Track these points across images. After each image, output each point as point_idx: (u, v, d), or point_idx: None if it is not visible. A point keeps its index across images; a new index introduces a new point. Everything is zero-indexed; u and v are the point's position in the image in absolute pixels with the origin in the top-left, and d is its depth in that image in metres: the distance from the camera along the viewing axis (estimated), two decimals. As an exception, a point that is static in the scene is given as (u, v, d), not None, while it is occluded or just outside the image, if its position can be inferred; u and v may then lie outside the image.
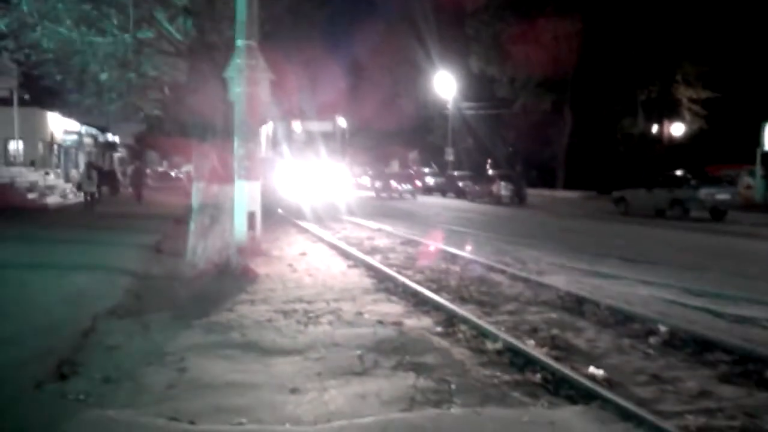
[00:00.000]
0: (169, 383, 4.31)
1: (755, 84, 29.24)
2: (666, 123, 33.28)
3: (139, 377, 4.43)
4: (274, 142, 18.79)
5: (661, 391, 4.33)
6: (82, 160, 33.78)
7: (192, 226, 8.23)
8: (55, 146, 33.46)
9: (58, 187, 25.99)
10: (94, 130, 38.43)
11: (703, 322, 6.18)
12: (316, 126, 19.04)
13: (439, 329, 5.85)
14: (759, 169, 27.24)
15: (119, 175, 33.90)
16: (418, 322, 6.08)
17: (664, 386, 4.41)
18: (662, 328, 5.69)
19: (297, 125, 18.49)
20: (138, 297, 7.02)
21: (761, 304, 6.92)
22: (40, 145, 30.88)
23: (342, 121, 19.52)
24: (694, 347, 5.25)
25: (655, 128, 33.68)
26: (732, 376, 4.59)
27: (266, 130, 19.38)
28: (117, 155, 47.69)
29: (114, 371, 4.51)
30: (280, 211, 17.40)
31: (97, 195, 19.95)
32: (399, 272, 8.53)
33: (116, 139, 45.24)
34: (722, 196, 20.15)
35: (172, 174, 60.20)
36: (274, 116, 17.98)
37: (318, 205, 17.36)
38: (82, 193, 19.93)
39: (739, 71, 30.00)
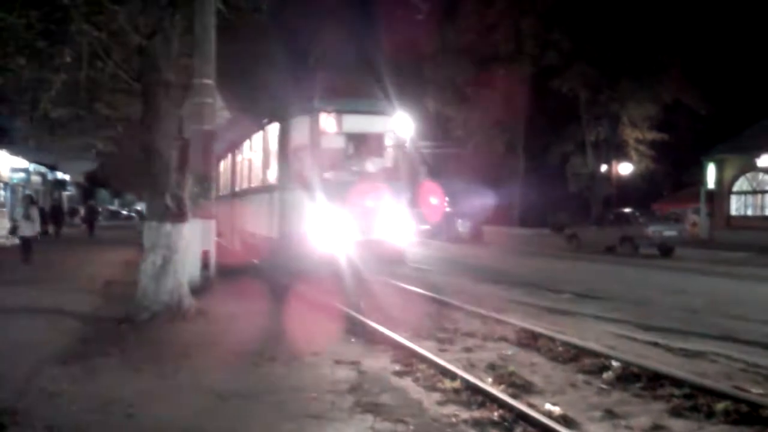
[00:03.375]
0: (117, 431, 4.13)
1: (698, 125, 30.76)
2: (614, 163, 34.46)
3: (84, 425, 4.23)
4: (283, 157, 10.80)
5: (614, 426, 4.39)
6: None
7: (143, 266, 8.02)
8: (1, 184, 32.36)
9: (5, 227, 25.05)
10: (42, 168, 37.40)
11: (653, 356, 6.32)
12: (365, 123, 11.19)
13: (396, 368, 5.81)
14: (703, 207, 28.40)
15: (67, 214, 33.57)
16: (376, 362, 6.02)
17: (618, 421, 4.46)
18: (615, 363, 5.79)
19: (329, 122, 10.60)
20: (85, 341, 6.74)
21: (709, 338, 7.14)
22: (-15, 184, 29.81)
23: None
24: (646, 382, 5.35)
25: (604, 168, 34.80)
26: (683, 410, 4.68)
27: (264, 137, 12.24)
28: (67, 194, 46.41)
29: (57, 419, 4.29)
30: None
31: (37, 236, 15.12)
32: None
33: (66, 177, 44.11)
34: (670, 233, 20.87)
35: (124, 212, 58.98)
36: (285, 112, 10.94)
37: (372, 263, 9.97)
38: (19, 238, 14.39)
39: (681, 114, 31.52)
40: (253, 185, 13.76)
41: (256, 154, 13.55)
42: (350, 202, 10.05)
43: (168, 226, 7.97)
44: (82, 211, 38.32)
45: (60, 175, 41.87)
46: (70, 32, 8.31)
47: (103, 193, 61.54)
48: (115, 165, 29.80)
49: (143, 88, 8.25)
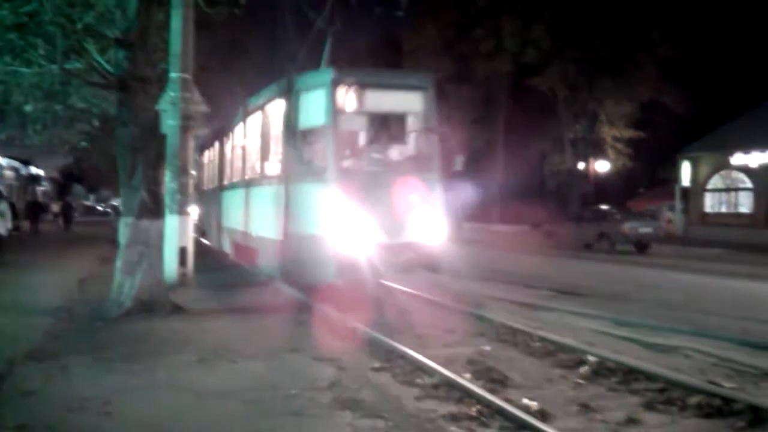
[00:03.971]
0: (92, 429, 4.07)
1: (674, 124, 31.25)
2: (592, 160, 34.85)
3: (58, 424, 4.17)
4: (290, 142, 9.05)
5: (590, 420, 4.45)
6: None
7: (119, 262, 7.91)
8: (-27, 179, 31.71)
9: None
10: (16, 163, 36.69)
11: (629, 351, 6.41)
12: (394, 100, 9.31)
13: (376, 364, 5.81)
14: (678, 204, 28.86)
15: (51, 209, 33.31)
16: (356, 359, 6.02)
17: (594, 415, 4.52)
18: (591, 358, 5.86)
19: (349, 97, 8.61)
20: (58, 338, 6.64)
21: (683, 334, 7.25)
22: (-44, 179, 29.22)
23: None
24: (621, 376, 5.43)
25: (581, 165, 35.18)
26: (657, 404, 4.76)
27: (264, 119, 10.35)
28: (41, 189, 45.62)
29: (30, 419, 4.22)
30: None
31: (9, 233, 14.36)
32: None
33: (40, 172, 43.34)
34: (645, 229, 21.18)
35: (99, 208, 58.21)
36: (293, 85, 9.04)
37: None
38: None
39: (658, 112, 31.98)
40: (248, 177, 11.82)
41: (252, 140, 11.50)
42: (374, 198, 8.38)
43: (144, 222, 7.86)
44: (54, 207, 37.67)
45: (34, 170, 41.17)
46: (43, 24, 8.15)
47: (78, 189, 60.62)
48: (90, 160, 29.38)
49: (119, 82, 8.11)
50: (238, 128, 12.70)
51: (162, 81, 8.75)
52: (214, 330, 7.23)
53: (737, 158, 26.49)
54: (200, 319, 7.81)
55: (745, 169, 26.63)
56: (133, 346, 6.27)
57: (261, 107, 10.52)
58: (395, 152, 9.43)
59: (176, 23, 8.77)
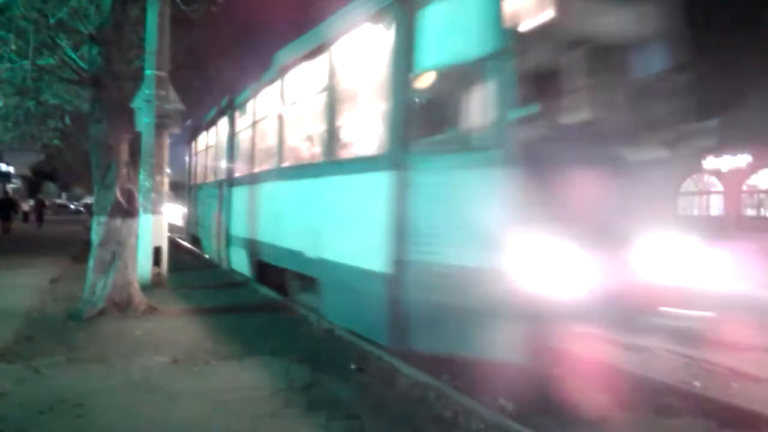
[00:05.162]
0: (62, 432, 4.00)
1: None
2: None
3: (29, 427, 4.08)
4: (405, 93, 5.06)
5: (563, 419, 4.50)
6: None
7: (91, 262, 7.77)
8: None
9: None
10: (-15, 160, 35.98)
11: (602, 350, 6.48)
12: (619, 13, 5.01)
13: (352, 366, 5.80)
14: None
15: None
16: (335, 361, 6.00)
17: (566, 415, 4.58)
18: (564, 358, 5.92)
19: (536, 8, 4.67)
20: (29, 339, 6.50)
21: (655, 333, 7.36)
22: None
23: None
24: (595, 376, 5.49)
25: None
26: (630, 404, 4.83)
27: (330, 62, 6.65)
28: (11, 186, 44.75)
29: (1, 421, 4.13)
30: None
31: None
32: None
33: (11, 169, 42.52)
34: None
35: (72, 206, 57.29)
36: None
37: None
38: None
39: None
40: (295, 163, 8.20)
41: (303, 104, 7.84)
42: (590, 198, 4.63)
43: (117, 221, 7.75)
44: (25, 205, 36.91)
45: (4, 167, 40.39)
46: (14, 19, 8.00)
47: (50, 186, 59.63)
48: (62, 157, 28.87)
49: (93, 79, 7.99)
50: (268, 91, 9.02)
51: (137, 78, 8.68)
52: (189, 330, 7.15)
53: (709, 162, 27.05)
54: (175, 319, 7.72)
55: (716, 173, 27.21)
56: (106, 347, 6.18)
57: (324, 47, 6.74)
58: (623, 113, 5.39)
59: (152, 20, 8.69)
